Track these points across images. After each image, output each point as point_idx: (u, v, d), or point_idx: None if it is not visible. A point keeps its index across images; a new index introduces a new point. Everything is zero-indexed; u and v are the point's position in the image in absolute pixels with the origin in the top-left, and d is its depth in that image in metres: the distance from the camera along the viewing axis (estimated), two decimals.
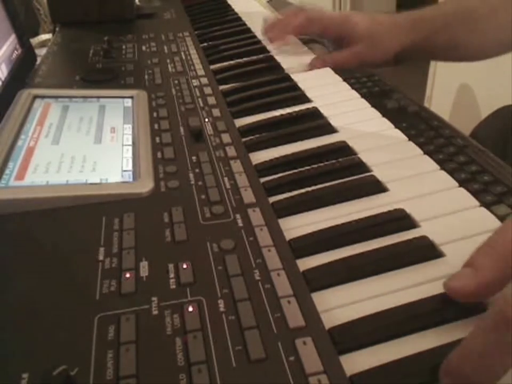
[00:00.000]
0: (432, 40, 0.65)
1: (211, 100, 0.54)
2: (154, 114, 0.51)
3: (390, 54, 0.64)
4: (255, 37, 0.75)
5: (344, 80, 0.59)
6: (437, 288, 0.30)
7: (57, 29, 0.80)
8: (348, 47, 0.65)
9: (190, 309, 0.29)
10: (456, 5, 0.67)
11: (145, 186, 0.40)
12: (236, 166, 0.43)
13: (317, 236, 0.36)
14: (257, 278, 0.31)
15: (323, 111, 0.52)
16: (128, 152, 0.45)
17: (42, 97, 0.53)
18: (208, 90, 0.57)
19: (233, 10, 0.91)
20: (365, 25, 0.64)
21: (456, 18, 0.66)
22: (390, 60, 0.65)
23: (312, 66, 0.64)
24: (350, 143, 0.46)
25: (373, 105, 0.53)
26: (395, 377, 0.26)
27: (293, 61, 0.67)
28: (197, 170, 0.42)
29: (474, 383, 0.24)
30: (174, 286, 0.31)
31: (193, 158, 0.44)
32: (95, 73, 0.61)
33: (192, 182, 0.40)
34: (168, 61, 0.65)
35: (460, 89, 1.70)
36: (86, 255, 0.33)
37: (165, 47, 0.70)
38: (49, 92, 0.55)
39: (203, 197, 0.39)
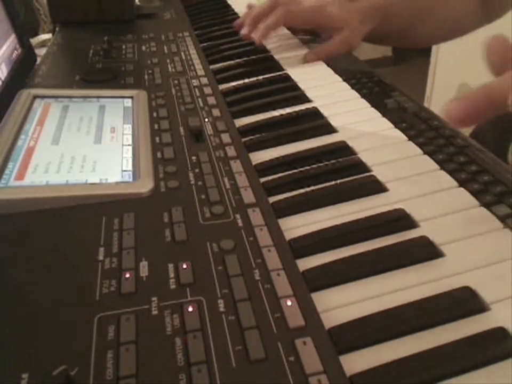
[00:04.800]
0: (386, 27, 0.69)
1: (211, 100, 0.54)
2: (154, 114, 0.51)
3: (360, 41, 0.68)
4: None
5: (344, 80, 0.59)
6: (437, 288, 0.30)
7: (57, 29, 0.80)
8: (328, 36, 0.68)
9: (190, 309, 0.29)
10: None
11: (145, 186, 0.40)
12: (236, 166, 0.43)
13: (317, 236, 0.36)
14: (257, 278, 0.31)
15: (323, 111, 0.52)
16: (128, 152, 0.45)
17: (42, 97, 0.53)
18: (208, 90, 0.57)
19: (233, 10, 0.91)
20: (339, 14, 0.67)
21: (410, 7, 0.70)
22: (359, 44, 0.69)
23: (306, 60, 0.66)
24: (350, 143, 0.46)
25: (373, 105, 0.53)
26: (395, 377, 0.26)
27: (293, 61, 0.67)
28: (197, 170, 0.42)
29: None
30: (174, 286, 0.31)
31: (193, 158, 0.44)
32: (95, 73, 0.61)
33: (192, 182, 0.40)
34: (168, 61, 0.65)
35: (459, 89, 1.70)
36: (86, 255, 0.33)
37: (165, 47, 0.70)
38: (49, 92, 0.55)
39: (203, 197, 0.39)
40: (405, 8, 0.70)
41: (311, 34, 0.74)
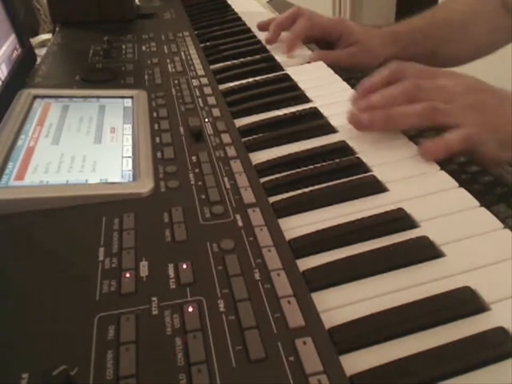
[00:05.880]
0: (411, 52, 0.71)
1: (211, 100, 0.54)
2: (154, 114, 0.51)
3: (376, 62, 0.69)
4: (255, 37, 0.75)
5: (344, 80, 0.59)
6: (437, 288, 0.30)
7: (57, 29, 0.80)
8: (342, 48, 0.70)
9: (190, 309, 0.29)
10: (433, 17, 0.73)
11: (145, 186, 0.40)
12: (236, 166, 0.43)
13: (317, 235, 0.36)
14: (257, 278, 0.31)
15: (323, 111, 0.52)
16: (128, 152, 0.45)
17: (42, 97, 0.53)
18: (208, 90, 0.57)
19: (233, 10, 0.91)
20: (358, 30, 0.69)
21: (432, 30, 0.72)
22: (375, 66, 0.69)
23: (312, 59, 0.66)
24: (350, 143, 0.46)
25: None
26: (395, 377, 0.26)
27: (293, 61, 0.67)
28: (197, 170, 0.42)
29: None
30: (174, 286, 0.31)
31: (193, 158, 0.44)
32: (95, 73, 0.61)
33: (192, 182, 0.40)
34: (168, 61, 0.65)
35: None
36: (86, 255, 0.33)
37: (165, 47, 0.70)
38: (49, 91, 0.55)
39: (203, 197, 0.39)
40: (429, 32, 0.71)
41: (325, 46, 0.74)
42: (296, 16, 0.69)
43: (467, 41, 0.73)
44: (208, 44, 0.75)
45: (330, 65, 0.65)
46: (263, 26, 0.75)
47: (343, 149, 0.45)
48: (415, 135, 0.47)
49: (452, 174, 0.41)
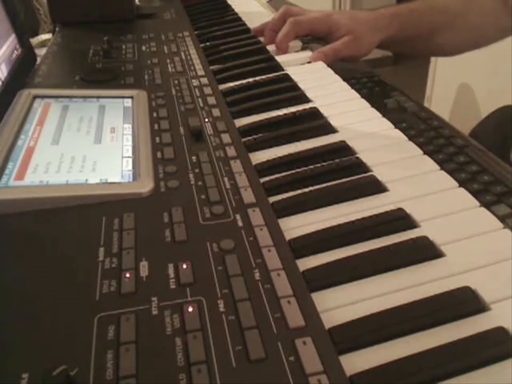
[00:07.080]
0: (407, 33, 0.71)
1: (211, 100, 0.54)
2: (154, 114, 0.51)
3: (371, 48, 0.70)
4: (255, 37, 0.75)
5: (344, 80, 0.59)
6: (437, 288, 0.31)
7: (57, 29, 0.80)
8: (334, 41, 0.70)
9: (190, 309, 0.29)
10: (432, 2, 0.72)
11: (145, 186, 0.40)
12: (236, 166, 0.43)
13: (317, 236, 0.36)
14: (257, 278, 0.31)
15: (323, 111, 0.52)
16: (128, 152, 0.45)
17: (42, 97, 0.53)
18: (208, 90, 0.57)
19: (233, 10, 0.91)
20: (345, 23, 0.70)
21: (431, 14, 0.71)
22: (371, 51, 0.72)
23: (313, 59, 0.67)
24: (350, 143, 0.46)
25: (373, 105, 0.53)
26: (395, 377, 0.26)
27: (293, 61, 0.67)
28: (197, 170, 0.42)
29: None
30: (174, 286, 0.31)
31: (193, 158, 0.44)
32: (95, 73, 0.61)
33: (192, 182, 0.40)
34: (168, 61, 0.65)
35: (459, 89, 1.71)
36: (86, 255, 0.33)
37: (165, 47, 0.70)
38: (49, 92, 0.55)
39: (203, 197, 0.39)
40: (426, 15, 0.71)
41: (319, 41, 0.75)
42: (287, 16, 0.72)
43: (465, 30, 0.73)
44: (208, 44, 0.75)
45: (332, 61, 0.66)
46: (257, 32, 0.78)
47: (343, 149, 0.45)
48: (415, 135, 0.47)
49: (452, 174, 0.41)
